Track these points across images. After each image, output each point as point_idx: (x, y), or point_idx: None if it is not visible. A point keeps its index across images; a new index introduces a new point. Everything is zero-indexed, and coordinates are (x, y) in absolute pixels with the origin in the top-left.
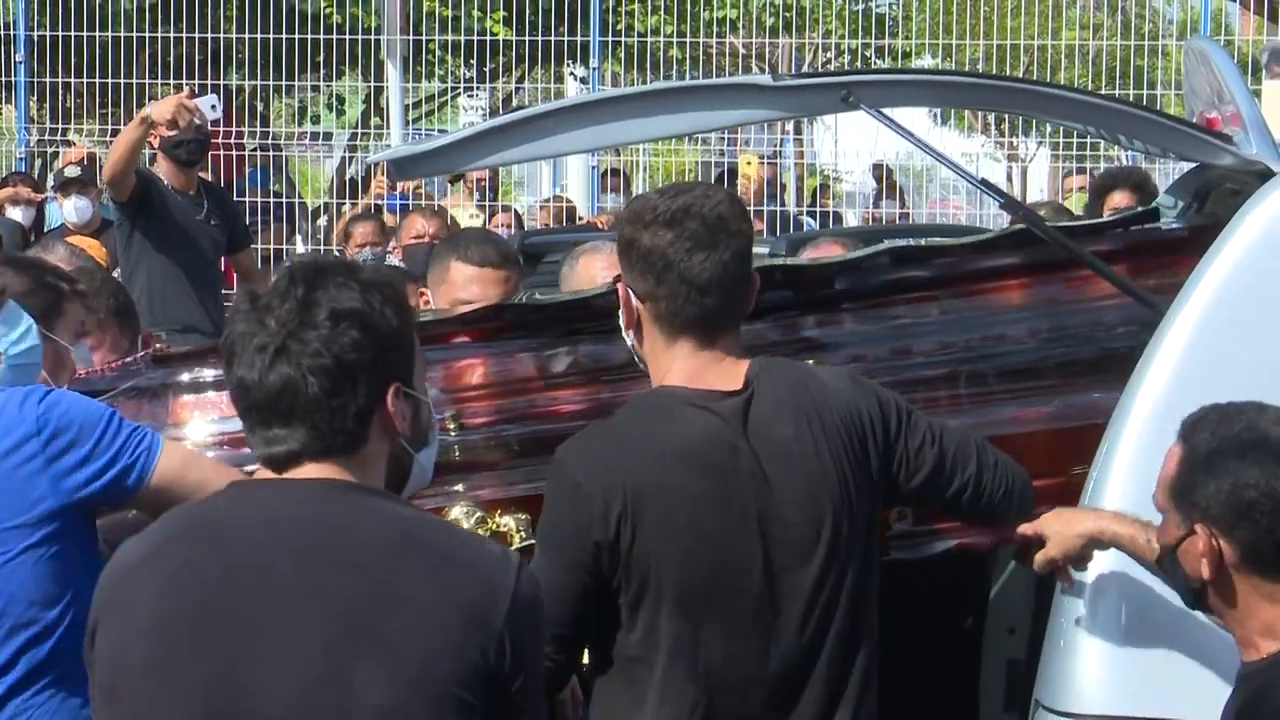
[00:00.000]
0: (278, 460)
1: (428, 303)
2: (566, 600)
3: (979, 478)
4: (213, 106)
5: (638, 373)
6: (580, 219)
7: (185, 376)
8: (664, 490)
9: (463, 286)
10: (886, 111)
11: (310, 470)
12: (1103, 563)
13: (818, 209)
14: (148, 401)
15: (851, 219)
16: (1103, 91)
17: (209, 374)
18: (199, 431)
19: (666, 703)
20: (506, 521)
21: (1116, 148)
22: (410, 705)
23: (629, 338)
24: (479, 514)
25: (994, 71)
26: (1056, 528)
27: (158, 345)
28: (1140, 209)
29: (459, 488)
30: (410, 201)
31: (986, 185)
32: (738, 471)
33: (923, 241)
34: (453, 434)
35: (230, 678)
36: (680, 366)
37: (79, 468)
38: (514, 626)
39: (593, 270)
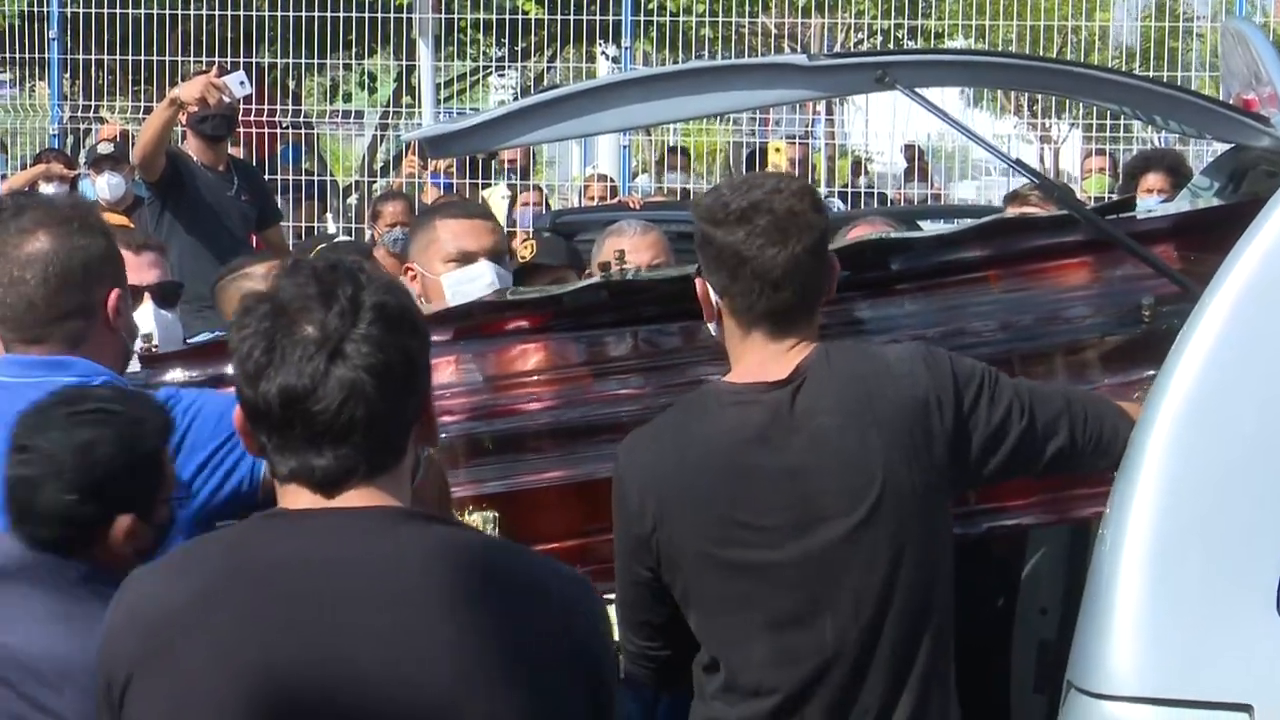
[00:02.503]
0: (328, 479)
1: (415, 278)
2: (638, 590)
3: (1072, 439)
4: (241, 83)
5: (606, 370)
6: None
7: (169, 376)
8: (691, 493)
9: (453, 239)
10: (921, 92)
11: (360, 492)
12: (1138, 541)
13: (849, 190)
14: None
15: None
16: (1137, 73)
17: (196, 374)
18: None
19: (732, 690)
20: (474, 519)
21: (1149, 130)
22: None
23: (713, 329)
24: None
25: (1027, 53)
26: None
27: (143, 346)
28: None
29: None
30: (442, 180)
31: (1021, 165)
32: (770, 467)
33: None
34: None
35: None
36: (749, 359)
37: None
38: (605, 648)
39: (616, 251)
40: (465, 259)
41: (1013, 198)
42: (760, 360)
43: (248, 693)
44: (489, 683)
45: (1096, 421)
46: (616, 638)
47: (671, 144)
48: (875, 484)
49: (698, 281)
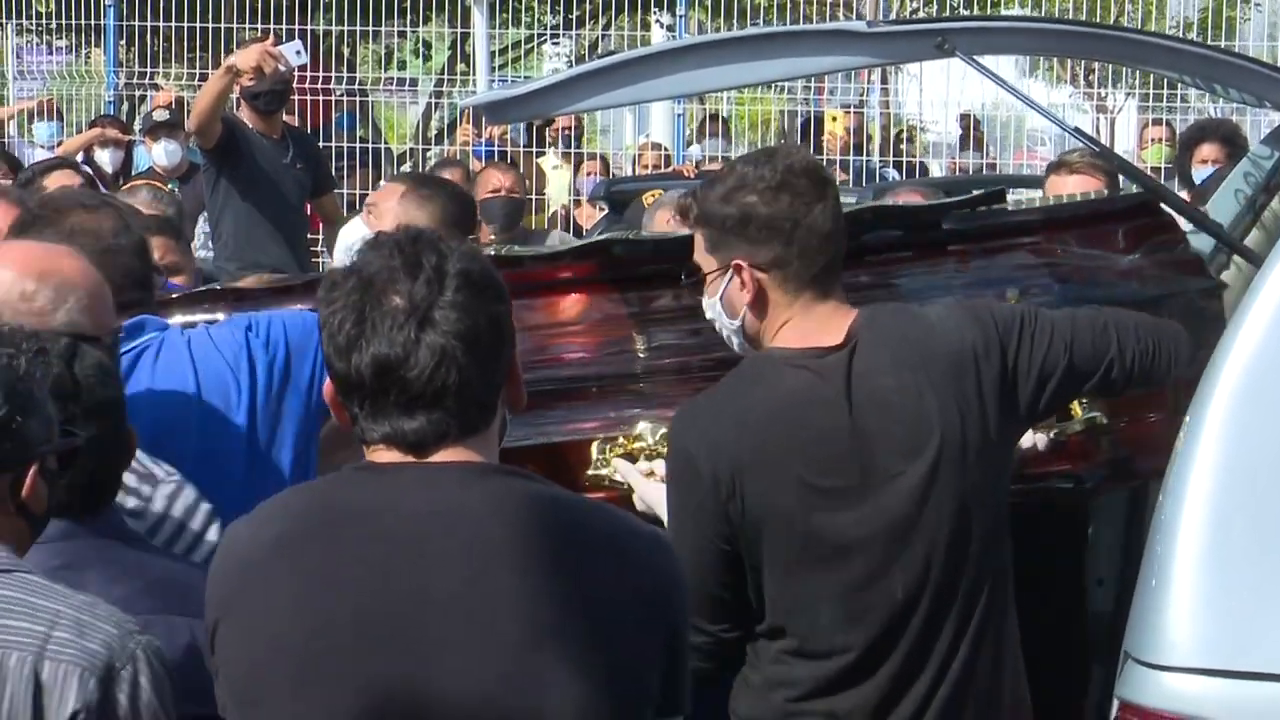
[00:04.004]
0: (420, 441)
1: None
2: (709, 566)
3: (1121, 357)
4: (297, 53)
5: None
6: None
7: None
8: (765, 458)
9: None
10: (978, 60)
11: (451, 452)
12: (1195, 513)
13: (903, 159)
14: None
15: (936, 169)
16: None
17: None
18: None
19: (802, 654)
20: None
21: (1205, 100)
22: (602, 704)
23: (733, 323)
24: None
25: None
26: None
27: None
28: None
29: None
30: (496, 149)
31: (1080, 133)
32: (837, 429)
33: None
34: None
35: (405, 682)
36: (794, 324)
37: None
38: (682, 606)
39: (665, 223)
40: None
41: (1058, 166)
42: (809, 327)
43: (328, 636)
44: (566, 635)
45: (1147, 341)
46: None
47: (711, 112)
48: (935, 439)
49: (737, 268)
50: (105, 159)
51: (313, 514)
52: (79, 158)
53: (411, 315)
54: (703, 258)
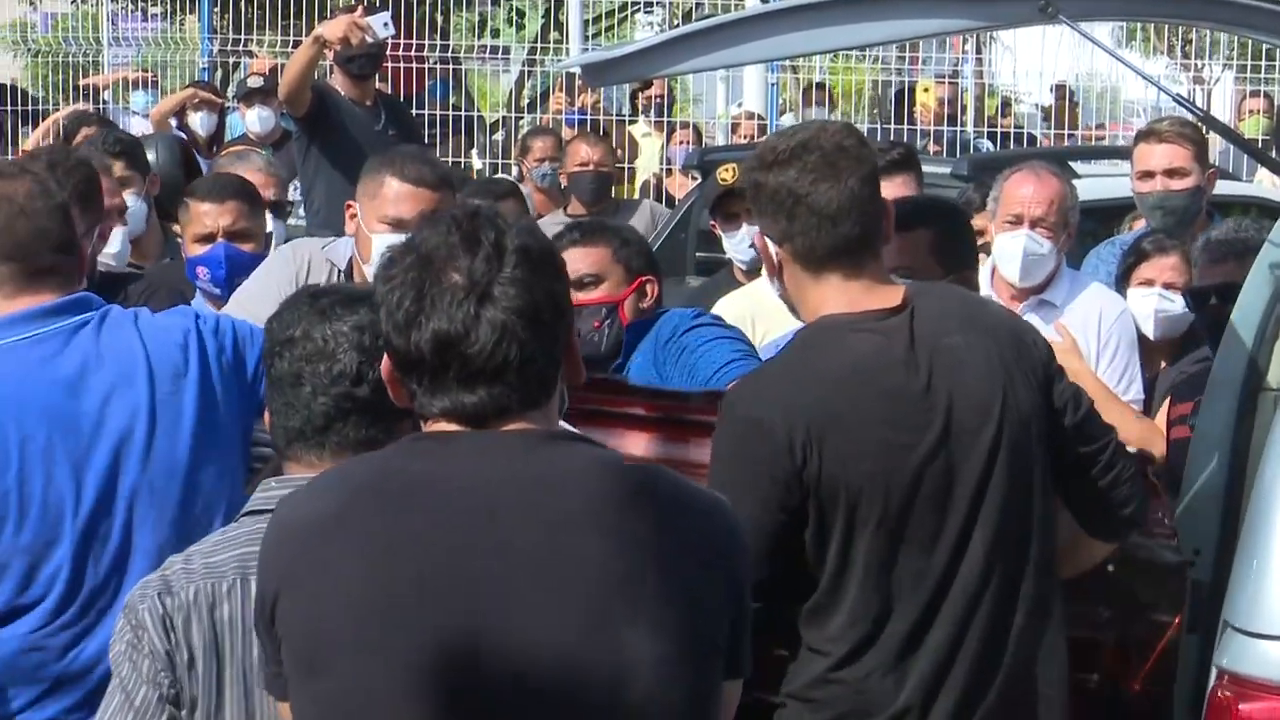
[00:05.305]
0: (480, 415)
1: (354, 216)
2: (764, 537)
3: (1112, 459)
4: (385, 24)
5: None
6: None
7: None
8: (843, 416)
9: (393, 203)
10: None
11: (511, 426)
12: None
13: (997, 130)
14: None
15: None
16: None
17: None
18: None
19: (857, 623)
20: None
21: None
22: (677, 660)
23: (775, 285)
24: None
25: None
26: None
27: None
28: None
29: None
30: (589, 117)
31: (1183, 101)
32: (911, 387)
33: None
34: None
35: (477, 642)
36: (835, 298)
37: None
38: (746, 575)
39: None
40: (398, 225)
41: (1146, 134)
42: (850, 298)
43: (396, 601)
44: (637, 593)
45: (1132, 465)
46: None
47: (815, 81)
48: (999, 397)
49: (756, 237)
50: (198, 122)
51: (374, 483)
52: (173, 122)
53: (471, 291)
54: None
